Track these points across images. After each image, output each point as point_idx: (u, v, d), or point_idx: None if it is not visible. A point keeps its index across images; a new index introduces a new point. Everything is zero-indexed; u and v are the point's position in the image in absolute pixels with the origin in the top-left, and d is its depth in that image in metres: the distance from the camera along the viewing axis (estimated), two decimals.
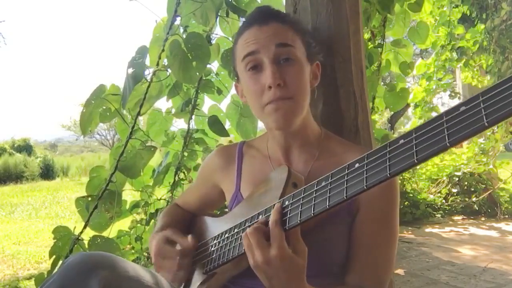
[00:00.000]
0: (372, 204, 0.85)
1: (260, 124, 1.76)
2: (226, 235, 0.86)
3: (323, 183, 0.67)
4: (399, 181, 4.67)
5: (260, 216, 0.79)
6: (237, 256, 0.81)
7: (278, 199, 0.77)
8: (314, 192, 0.67)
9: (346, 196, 0.61)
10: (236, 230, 0.84)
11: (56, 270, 1.44)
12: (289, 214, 0.70)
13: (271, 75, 0.82)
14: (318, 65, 0.94)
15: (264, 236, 0.70)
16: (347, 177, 0.62)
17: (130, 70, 1.42)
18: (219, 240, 0.88)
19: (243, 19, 0.95)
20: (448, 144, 0.48)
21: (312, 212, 0.66)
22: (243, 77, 0.89)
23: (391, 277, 1.44)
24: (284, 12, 0.93)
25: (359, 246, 0.85)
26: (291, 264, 0.69)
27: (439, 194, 4.78)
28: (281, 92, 0.83)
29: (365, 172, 0.59)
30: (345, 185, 0.62)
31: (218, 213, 1.36)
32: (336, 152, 0.91)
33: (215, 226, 0.96)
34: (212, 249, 0.89)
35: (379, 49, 2.08)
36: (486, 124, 0.45)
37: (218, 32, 1.67)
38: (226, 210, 1.02)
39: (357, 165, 0.61)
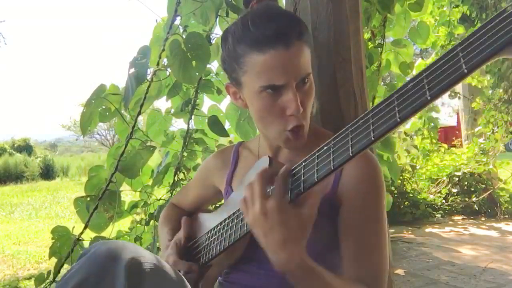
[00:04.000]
0: (351, 193, 0.84)
1: None
2: (218, 228, 0.90)
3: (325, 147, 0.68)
4: (399, 181, 4.68)
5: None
6: (228, 247, 0.85)
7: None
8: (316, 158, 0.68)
9: (333, 166, 0.62)
10: (226, 221, 0.88)
11: (60, 268, 1.44)
12: (304, 176, 0.67)
13: (295, 106, 0.79)
14: None
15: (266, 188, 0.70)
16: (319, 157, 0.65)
17: (132, 71, 1.42)
18: (211, 233, 0.92)
19: (253, 16, 0.83)
20: (398, 119, 0.52)
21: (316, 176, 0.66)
22: (253, 95, 0.84)
23: (391, 277, 1.44)
24: (299, 17, 0.86)
25: (347, 240, 0.84)
26: (288, 221, 0.66)
27: (439, 194, 4.78)
28: (301, 118, 0.83)
29: (331, 153, 0.62)
30: (331, 156, 0.64)
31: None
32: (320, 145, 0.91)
33: (209, 221, 1.00)
34: (206, 242, 0.93)
35: (379, 49, 2.07)
36: (428, 98, 0.49)
37: (218, 32, 1.67)
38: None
39: (325, 147, 0.65)
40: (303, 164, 0.67)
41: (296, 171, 0.68)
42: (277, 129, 0.85)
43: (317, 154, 0.65)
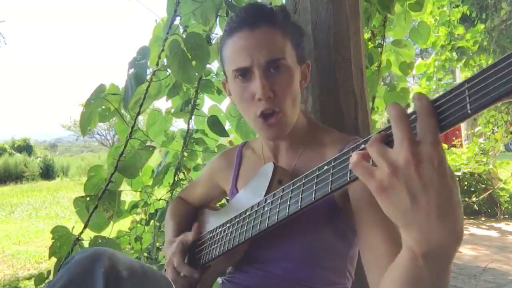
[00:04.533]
0: (358, 188, 0.77)
1: None
2: (220, 229, 0.91)
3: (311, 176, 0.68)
4: None
5: (248, 213, 0.82)
6: (228, 251, 0.86)
7: (264, 197, 0.81)
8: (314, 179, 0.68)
9: (330, 189, 0.61)
10: (227, 225, 0.89)
11: (59, 268, 1.44)
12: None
13: (261, 88, 0.79)
14: (308, 65, 0.93)
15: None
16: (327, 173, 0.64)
17: (132, 71, 1.41)
18: (213, 234, 0.93)
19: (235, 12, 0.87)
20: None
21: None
22: (231, 82, 0.87)
23: None
24: (274, 9, 0.86)
25: (373, 239, 0.73)
26: (450, 177, 0.46)
27: None
28: (271, 104, 0.81)
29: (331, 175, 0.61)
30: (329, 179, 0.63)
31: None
32: (321, 143, 0.91)
33: (214, 220, 1.02)
34: (208, 243, 0.94)
35: (379, 49, 2.07)
36: (469, 111, 0.44)
37: (217, 32, 1.66)
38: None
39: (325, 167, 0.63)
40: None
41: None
42: (250, 117, 0.85)
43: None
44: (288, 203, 0.71)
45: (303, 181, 0.68)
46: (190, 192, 1.20)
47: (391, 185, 0.47)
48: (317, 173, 0.65)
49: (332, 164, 0.62)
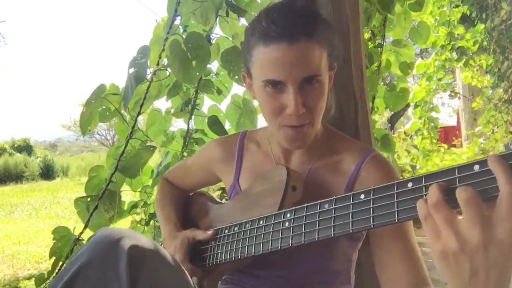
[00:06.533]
0: None
1: (260, 124, 1.76)
2: (227, 232, 0.87)
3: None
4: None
5: (261, 222, 0.78)
6: (241, 260, 0.82)
7: (279, 205, 0.78)
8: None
9: (373, 225, 0.60)
10: (236, 229, 0.84)
11: (60, 267, 1.44)
12: None
13: (294, 104, 0.77)
14: (335, 67, 0.88)
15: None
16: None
17: (132, 70, 1.41)
18: (220, 235, 0.88)
19: (257, 15, 0.82)
20: None
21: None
22: (259, 88, 0.82)
23: None
24: (313, 18, 0.79)
25: (383, 252, 0.80)
26: None
27: None
28: (302, 119, 0.79)
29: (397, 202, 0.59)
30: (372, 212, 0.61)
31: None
32: (336, 151, 0.89)
33: (215, 214, 0.98)
34: (215, 243, 0.89)
35: (379, 49, 2.07)
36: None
37: (218, 32, 1.67)
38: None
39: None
40: None
41: None
42: (278, 125, 0.82)
43: None
44: (317, 227, 0.68)
45: (334, 207, 0.65)
46: (180, 176, 1.14)
47: (455, 256, 0.48)
48: (351, 201, 0.62)
49: (372, 196, 0.60)
